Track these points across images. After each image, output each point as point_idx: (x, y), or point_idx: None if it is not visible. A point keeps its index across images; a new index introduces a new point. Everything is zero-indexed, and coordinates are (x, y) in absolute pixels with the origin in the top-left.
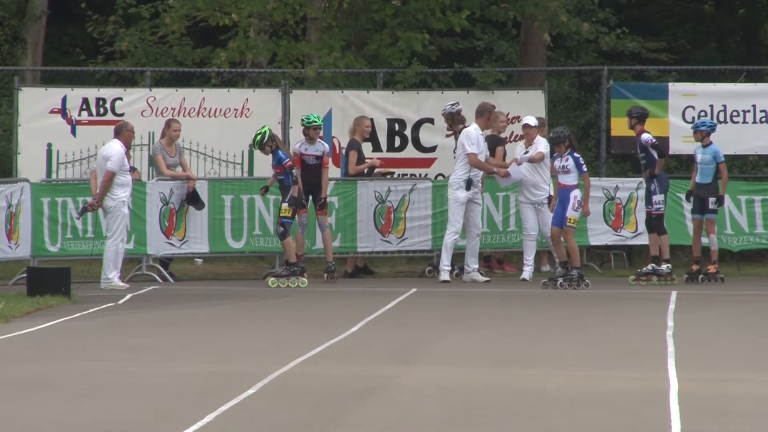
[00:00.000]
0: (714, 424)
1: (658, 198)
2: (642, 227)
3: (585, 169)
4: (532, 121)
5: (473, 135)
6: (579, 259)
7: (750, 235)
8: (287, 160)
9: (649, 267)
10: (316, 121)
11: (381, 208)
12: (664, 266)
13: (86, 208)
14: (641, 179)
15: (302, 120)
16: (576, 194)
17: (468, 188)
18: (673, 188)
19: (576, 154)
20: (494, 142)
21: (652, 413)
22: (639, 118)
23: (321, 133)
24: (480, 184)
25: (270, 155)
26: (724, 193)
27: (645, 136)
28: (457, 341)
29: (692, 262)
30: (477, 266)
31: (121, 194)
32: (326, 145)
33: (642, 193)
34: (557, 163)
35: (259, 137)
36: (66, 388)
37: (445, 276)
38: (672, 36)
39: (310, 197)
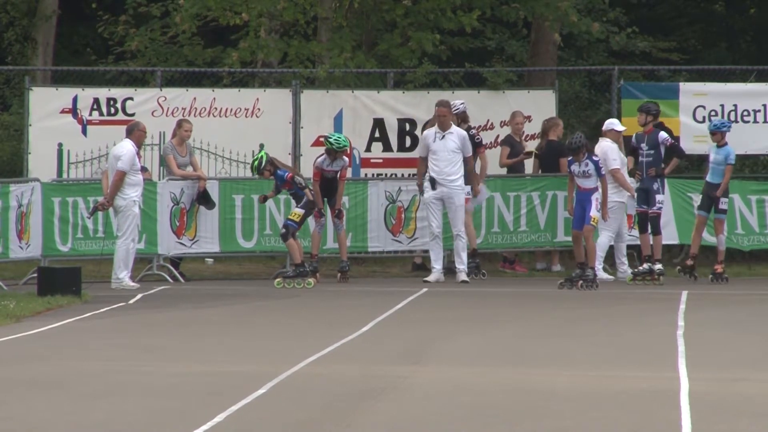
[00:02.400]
0: (725, 424)
1: (660, 197)
2: None
3: (604, 173)
4: (618, 126)
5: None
6: (595, 259)
7: (761, 234)
8: (287, 173)
9: (645, 266)
10: (346, 146)
11: (392, 207)
12: (657, 266)
13: (97, 207)
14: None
15: (332, 143)
16: (598, 196)
17: (433, 187)
18: (683, 188)
19: (595, 158)
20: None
21: (663, 413)
22: (656, 116)
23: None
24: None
25: (272, 178)
26: (721, 193)
27: (664, 135)
28: (468, 341)
29: (704, 261)
30: (463, 267)
31: (132, 194)
32: (347, 160)
33: None
34: (576, 168)
35: (256, 163)
36: (76, 388)
37: (429, 277)
38: (683, 36)
39: (325, 200)
